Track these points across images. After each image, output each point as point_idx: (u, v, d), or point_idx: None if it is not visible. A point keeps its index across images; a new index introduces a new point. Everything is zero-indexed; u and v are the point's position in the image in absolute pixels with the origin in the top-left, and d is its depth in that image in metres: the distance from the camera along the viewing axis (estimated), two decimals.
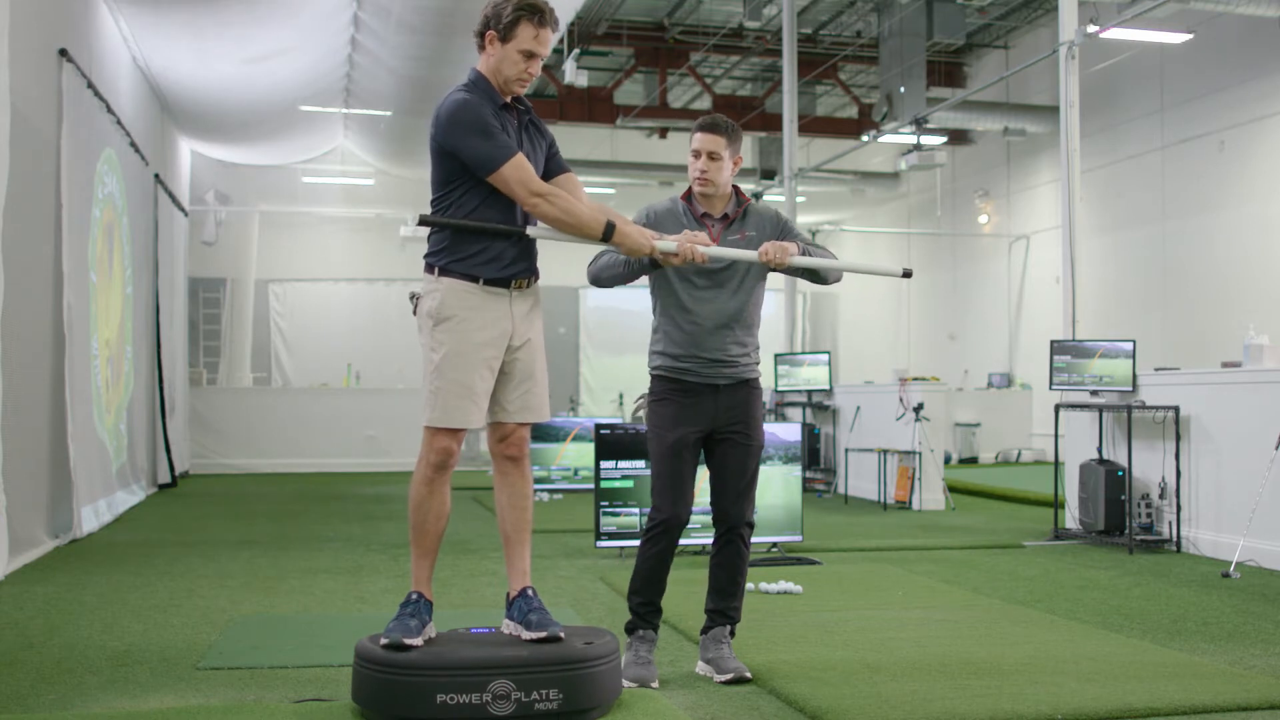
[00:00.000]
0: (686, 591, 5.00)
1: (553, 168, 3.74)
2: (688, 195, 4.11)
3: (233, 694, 3.75)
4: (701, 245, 3.72)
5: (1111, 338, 8.38)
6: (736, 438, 4.03)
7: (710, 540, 4.18)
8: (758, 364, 4.13)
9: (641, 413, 4.32)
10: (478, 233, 3.55)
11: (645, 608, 4.04)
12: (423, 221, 3.60)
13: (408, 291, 3.80)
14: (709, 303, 3.99)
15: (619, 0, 15.90)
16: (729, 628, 4.11)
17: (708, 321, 3.99)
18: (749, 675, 3.98)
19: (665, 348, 4.05)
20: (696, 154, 4.02)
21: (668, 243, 3.71)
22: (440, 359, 3.54)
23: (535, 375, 3.67)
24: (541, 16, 3.55)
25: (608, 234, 3.59)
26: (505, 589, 3.72)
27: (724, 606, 4.09)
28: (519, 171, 3.49)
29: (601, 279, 4.07)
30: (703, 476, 4.09)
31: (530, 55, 3.56)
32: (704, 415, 4.00)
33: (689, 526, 5.66)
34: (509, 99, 3.64)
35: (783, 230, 4.09)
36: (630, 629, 4.07)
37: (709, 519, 4.18)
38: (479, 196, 3.55)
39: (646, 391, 4.16)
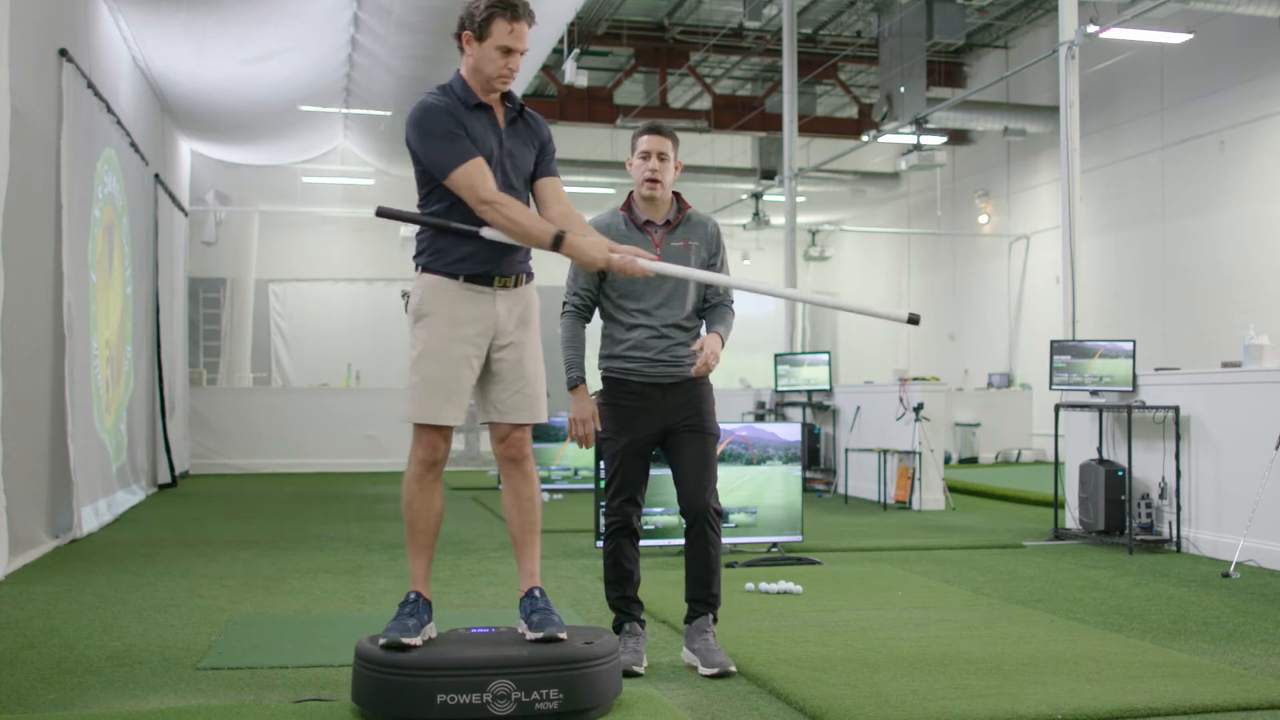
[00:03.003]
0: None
1: (540, 170, 3.72)
2: (627, 206, 4.22)
3: (233, 694, 3.75)
4: (645, 260, 3.61)
5: (1111, 338, 8.38)
6: (690, 430, 4.15)
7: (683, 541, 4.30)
8: None
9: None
10: (435, 229, 3.57)
11: (621, 601, 4.20)
12: (380, 213, 3.64)
13: (400, 290, 3.81)
14: (656, 311, 4.12)
15: (619, 0, 15.90)
16: (711, 615, 4.20)
17: (652, 328, 4.12)
18: (733, 669, 4.06)
19: (611, 350, 4.17)
20: (646, 155, 4.14)
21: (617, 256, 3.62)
22: (417, 355, 3.57)
23: (526, 376, 3.65)
24: (515, 11, 3.53)
25: (556, 244, 3.53)
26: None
27: (703, 595, 4.19)
28: (468, 178, 3.48)
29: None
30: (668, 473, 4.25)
31: (508, 51, 3.54)
32: (654, 415, 4.14)
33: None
34: (490, 97, 3.62)
35: (715, 247, 4.23)
36: (616, 627, 4.21)
37: (677, 520, 4.30)
38: (452, 197, 3.56)
39: (599, 390, 4.27)
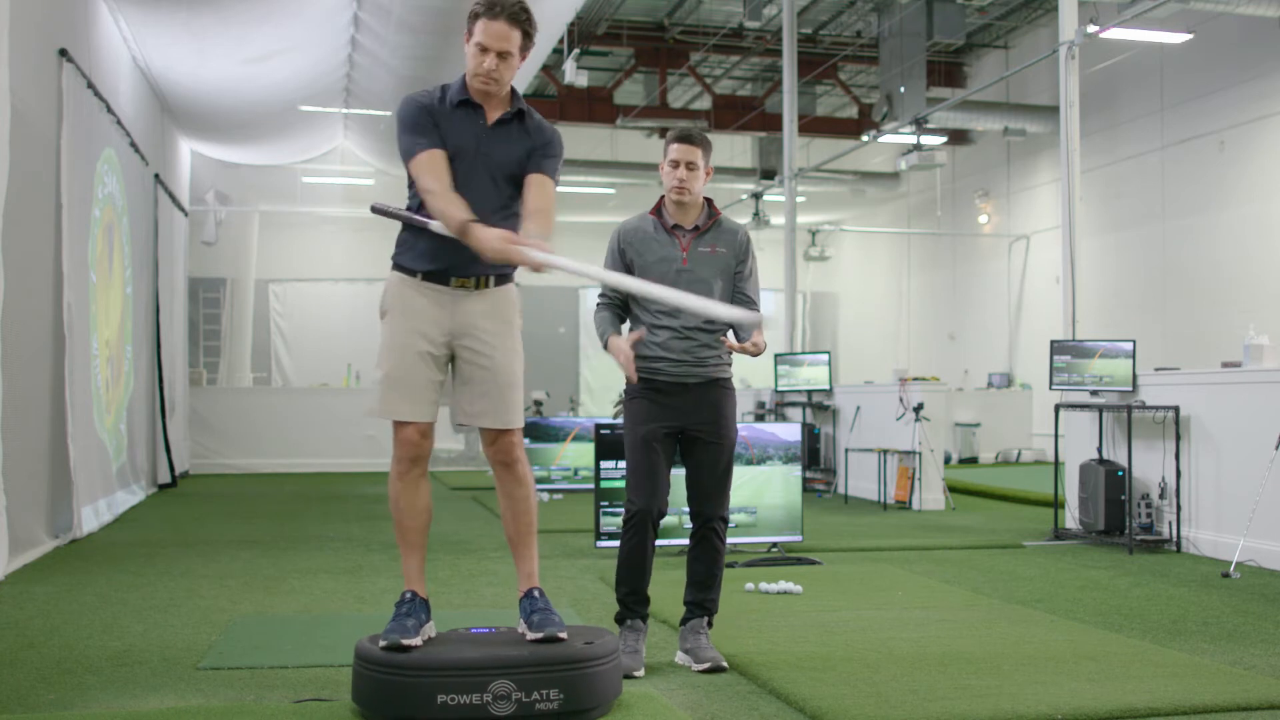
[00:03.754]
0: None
1: (529, 167, 3.67)
2: (658, 210, 4.28)
3: (233, 694, 3.75)
4: (542, 253, 3.36)
5: (1111, 338, 8.38)
6: (707, 436, 4.20)
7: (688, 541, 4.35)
8: (729, 364, 4.30)
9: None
10: (414, 225, 3.60)
11: (630, 597, 4.19)
12: (374, 209, 3.70)
13: None
14: (679, 313, 4.13)
15: (619, 0, 15.90)
16: (706, 619, 4.24)
17: (676, 331, 4.16)
18: (725, 665, 4.11)
19: (638, 350, 4.19)
20: (675, 163, 4.19)
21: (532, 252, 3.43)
22: (379, 351, 3.62)
23: (496, 382, 3.59)
24: (491, 9, 3.53)
25: (461, 231, 3.43)
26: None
27: (701, 598, 4.24)
28: (419, 167, 3.53)
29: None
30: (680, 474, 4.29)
31: (484, 50, 3.55)
32: (675, 412, 4.18)
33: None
34: (485, 99, 3.62)
35: (743, 255, 4.27)
36: (619, 620, 4.21)
37: (678, 520, 4.34)
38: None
39: (623, 391, 4.32)
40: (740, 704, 3.70)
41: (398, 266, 3.65)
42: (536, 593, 3.62)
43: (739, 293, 4.30)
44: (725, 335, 4.29)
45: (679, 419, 4.18)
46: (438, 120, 3.59)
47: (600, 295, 4.32)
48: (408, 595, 3.56)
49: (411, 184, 3.65)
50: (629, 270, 4.22)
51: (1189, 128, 14.54)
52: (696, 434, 4.20)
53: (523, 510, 3.69)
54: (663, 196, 4.29)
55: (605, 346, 4.21)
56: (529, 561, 3.69)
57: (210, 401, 15.00)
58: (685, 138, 4.21)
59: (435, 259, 3.58)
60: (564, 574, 6.33)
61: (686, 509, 4.31)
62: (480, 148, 3.61)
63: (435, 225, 3.54)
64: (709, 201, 4.31)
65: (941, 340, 20.21)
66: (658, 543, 3.95)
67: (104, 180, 9.01)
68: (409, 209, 3.65)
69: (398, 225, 3.69)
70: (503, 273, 3.67)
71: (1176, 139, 14.76)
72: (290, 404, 15.65)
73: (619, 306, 4.32)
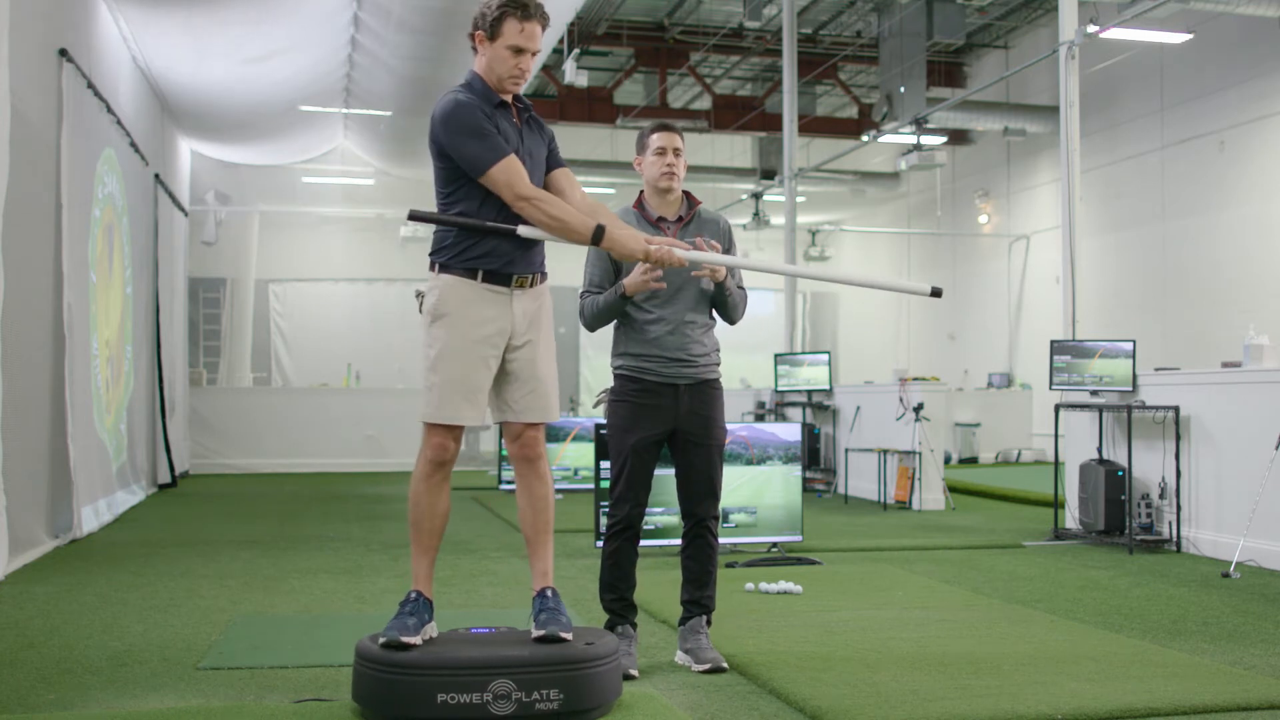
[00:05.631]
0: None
1: (551, 163, 3.77)
2: (639, 204, 4.27)
3: (233, 694, 3.75)
4: (681, 250, 3.71)
5: (1111, 338, 8.38)
6: (697, 439, 4.17)
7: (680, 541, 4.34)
8: (718, 364, 4.28)
9: (603, 406, 4.53)
10: (469, 229, 3.56)
11: (618, 604, 4.19)
12: (413, 216, 3.64)
13: (413, 290, 3.81)
14: (668, 304, 4.14)
15: (619, 0, 15.90)
16: (705, 617, 4.24)
17: (667, 323, 4.13)
18: (725, 666, 4.11)
19: (627, 347, 4.20)
20: (661, 151, 4.19)
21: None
22: (435, 354, 3.56)
23: (540, 375, 3.66)
24: (526, 10, 3.54)
25: (597, 237, 3.56)
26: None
27: (699, 596, 4.24)
28: (506, 174, 3.50)
29: (593, 326, 4.30)
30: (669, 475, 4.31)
31: (519, 51, 3.56)
32: (664, 416, 4.14)
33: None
34: (507, 97, 3.65)
35: (728, 243, 4.27)
36: (609, 627, 4.18)
37: (677, 520, 4.32)
38: (480, 195, 3.56)
39: (610, 387, 4.30)
40: (740, 704, 3.70)
41: (451, 269, 3.56)
42: (549, 592, 3.61)
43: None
44: (714, 324, 4.29)
45: (668, 422, 4.15)
46: (494, 121, 3.57)
47: (586, 288, 4.28)
48: (413, 595, 3.56)
49: (455, 190, 3.57)
50: (615, 265, 4.18)
51: (1189, 128, 14.54)
52: (687, 437, 4.17)
53: (542, 507, 3.70)
54: (642, 192, 4.29)
55: (621, 293, 4.08)
56: (544, 560, 3.68)
57: (210, 401, 15.00)
58: (666, 127, 4.23)
59: (498, 260, 3.56)
60: (564, 574, 6.32)
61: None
62: (524, 146, 3.63)
63: (525, 230, 3.53)
64: (687, 193, 4.31)
65: (941, 340, 20.21)
66: (654, 543, 3.99)
67: (104, 180, 9.01)
68: (460, 213, 3.56)
69: (397, 226, 3.68)
70: (544, 270, 3.71)
71: (1176, 139, 14.76)
72: (290, 404, 15.65)
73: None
